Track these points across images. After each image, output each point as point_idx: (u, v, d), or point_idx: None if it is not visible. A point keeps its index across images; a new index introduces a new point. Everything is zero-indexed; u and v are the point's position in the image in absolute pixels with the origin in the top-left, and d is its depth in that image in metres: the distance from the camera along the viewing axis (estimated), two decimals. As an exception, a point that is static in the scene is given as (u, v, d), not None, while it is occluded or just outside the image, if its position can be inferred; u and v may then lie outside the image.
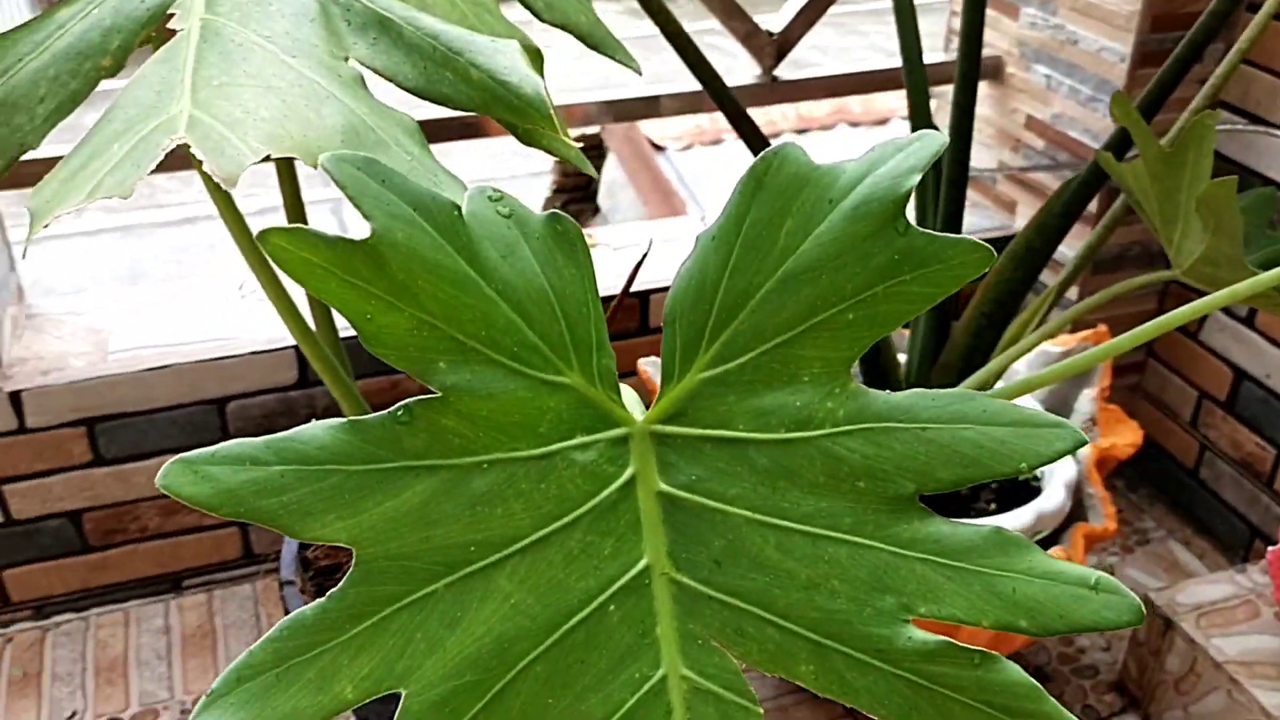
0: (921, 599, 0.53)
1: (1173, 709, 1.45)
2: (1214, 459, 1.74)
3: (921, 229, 0.52)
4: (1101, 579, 0.53)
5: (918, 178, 0.51)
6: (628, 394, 0.57)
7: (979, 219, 1.85)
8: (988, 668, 0.52)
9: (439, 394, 0.51)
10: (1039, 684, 0.53)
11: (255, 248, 0.98)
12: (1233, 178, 0.91)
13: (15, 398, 1.48)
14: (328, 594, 0.50)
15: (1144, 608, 0.53)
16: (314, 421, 0.50)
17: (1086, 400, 1.46)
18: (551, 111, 0.64)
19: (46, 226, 0.57)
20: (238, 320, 1.62)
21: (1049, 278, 1.73)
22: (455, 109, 0.66)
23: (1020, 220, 1.81)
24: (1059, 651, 1.60)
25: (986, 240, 1.61)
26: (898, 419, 0.54)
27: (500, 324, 0.51)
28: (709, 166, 3.80)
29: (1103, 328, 1.51)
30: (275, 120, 0.59)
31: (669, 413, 0.55)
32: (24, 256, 0.76)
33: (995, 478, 0.53)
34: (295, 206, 1.03)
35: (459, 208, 0.50)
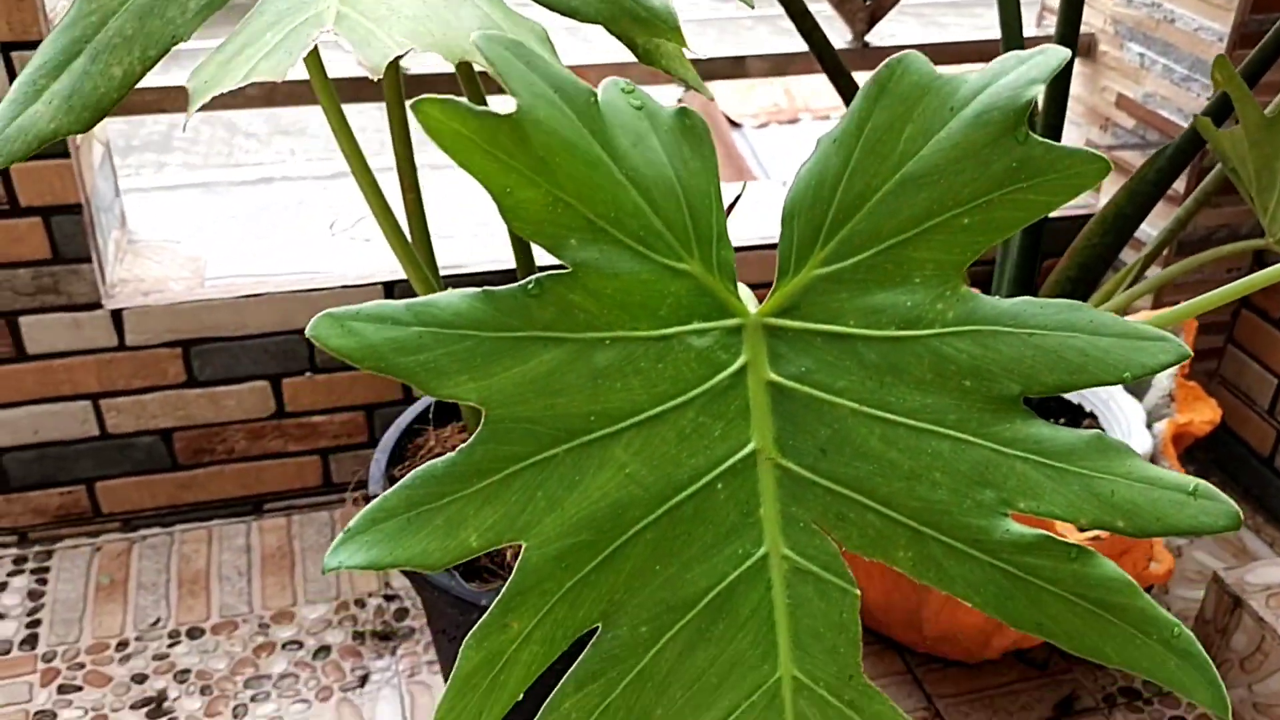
0: (1021, 495, 0.55)
1: (1237, 687, 1.45)
2: (1241, 517, 1.73)
3: (1040, 139, 0.54)
4: (1200, 485, 0.55)
5: (1038, 89, 0.53)
6: (743, 290, 0.59)
7: (1063, 196, 1.84)
8: (1084, 562, 0.54)
9: (569, 269, 0.54)
10: (1133, 580, 0.54)
11: (368, 175, 1.02)
12: (1337, 138, 0.91)
13: (117, 316, 1.54)
14: (456, 449, 0.53)
15: (1240, 516, 0.54)
16: (450, 290, 0.53)
17: (1165, 375, 1.46)
18: (679, 25, 0.66)
19: (203, 105, 0.61)
20: (329, 256, 1.67)
21: (1131, 259, 1.72)
22: (581, 20, 0.69)
23: (1104, 199, 1.80)
24: (1121, 627, 1.60)
25: (1070, 218, 1.62)
26: (1006, 323, 0.56)
27: (628, 208, 0.54)
28: (784, 144, 3.81)
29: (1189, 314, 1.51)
30: (417, 19, 0.63)
31: (782, 306, 0.57)
32: (185, 130, 0.80)
33: (1099, 385, 0.55)
34: (407, 159, 1.07)
35: (595, 94, 0.53)
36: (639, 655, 0.57)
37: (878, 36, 1.69)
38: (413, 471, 0.53)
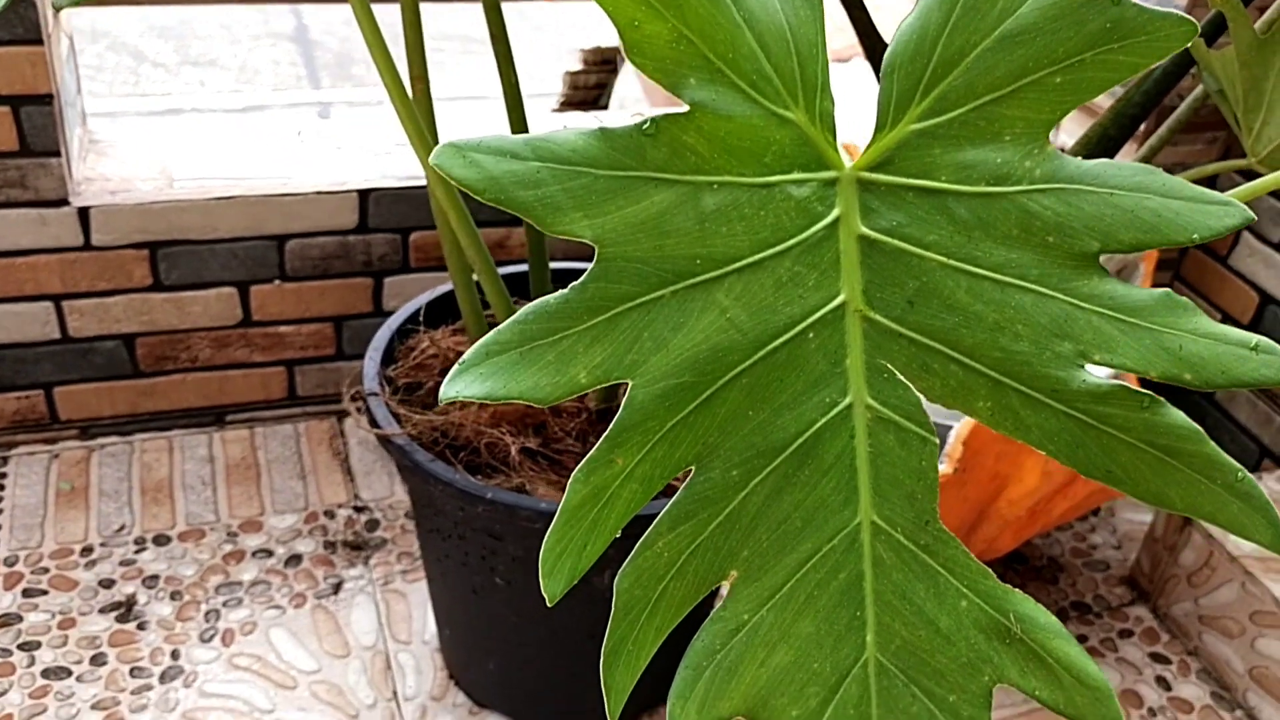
0: (1097, 348, 0.58)
1: (1183, 600, 1.52)
2: None
3: (1133, 1, 0.56)
4: (1261, 342, 0.58)
5: (1138, -50, 0.55)
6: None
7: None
8: (1155, 410, 0.57)
9: (686, 109, 0.54)
10: (1200, 428, 0.58)
11: (401, 92, 1.01)
12: (1338, 52, 0.96)
13: (84, 214, 1.50)
14: (569, 285, 0.54)
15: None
16: (567, 128, 0.53)
17: (1127, 302, 1.51)
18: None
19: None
20: (300, 162, 1.64)
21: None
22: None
23: (1066, 138, 1.85)
24: (1072, 546, 1.68)
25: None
26: (1088, 183, 0.58)
27: (745, 50, 0.55)
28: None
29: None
30: None
31: (877, 161, 0.59)
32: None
33: (1171, 244, 0.58)
34: (417, 47, 1.05)
35: (720, -66, 0.53)
36: (729, 497, 0.58)
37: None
38: (525, 307, 0.54)
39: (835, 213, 0.59)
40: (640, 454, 0.55)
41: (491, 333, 0.53)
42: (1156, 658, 1.50)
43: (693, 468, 0.58)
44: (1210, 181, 1.76)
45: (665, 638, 0.58)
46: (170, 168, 1.59)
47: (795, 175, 0.58)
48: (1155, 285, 1.89)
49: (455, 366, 0.52)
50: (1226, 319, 1.80)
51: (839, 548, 0.60)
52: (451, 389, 0.52)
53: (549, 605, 0.53)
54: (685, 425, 0.57)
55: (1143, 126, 1.68)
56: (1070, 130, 1.82)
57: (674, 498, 0.57)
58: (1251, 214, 0.59)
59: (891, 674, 0.61)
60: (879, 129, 0.59)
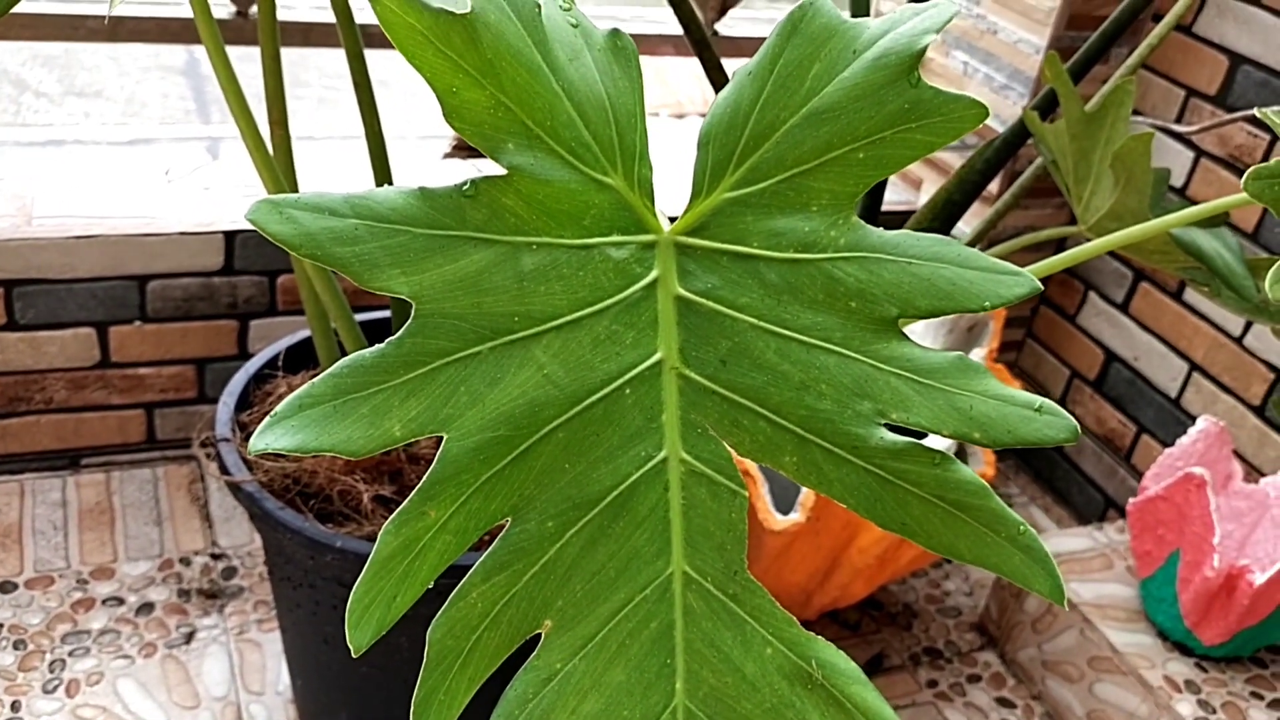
0: (894, 407, 0.61)
1: (1028, 646, 1.58)
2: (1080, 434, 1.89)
3: (930, 84, 0.60)
4: (1044, 404, 0.62)
5: (932, 37, 0.59)
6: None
7: (887, 193, 1.96)
8: (945, 467, 0.60)
9: (504, 173, 0.56)
10: (988, 485, 0.61)
11: (257, 138, 1.01)
12: (1150, 132, 1.03)
13: (-66, 250, 1.45)
14: (386, 341, 0.55)
15: (1077, 430, 0.62)
16: (387, 186, 0.55)
17: (976, 358, 1.58)
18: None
19: (155, 17, 0.60)
20: (166, 203, 1.62)
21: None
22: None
23: (924, 196, 1.93)
24: (926, 593, 1.73)
25: (889, 213, 1.73)
26: (888, 252, 0.61)
27: (563, 118, 0.57)
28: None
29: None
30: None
31: (693, 226, 0.62)
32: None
33: (965, 311, 0.62)
34: (277, 94, 1.06)
35: (539, 6, 0.56)
36: (545, 549, 0.60)
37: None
38: (341, 360, 0.55)
39: (654, 274, 0.61)
40: (454, 506, 0.57)
41: (305, 385, 0.54)
42: (1003, 702, 1.55)
43: (509, 519, 0.59)
44: (1060, 243, 1.85)
45: (479, 688, 0.59)
46: (30, 205, 1.55)
47: (614, 238, 0.60)
48: (1007, 343, 1.98)
49: (267, 418, 0.53)
50: (1075, 375, 1.89)
51: (651, 597, 0.62)
52: (262, 441, 0.52)
53: (354, 657, 0.54)
54: (500, 478, 0.58)
55: (996, 187, 1.77)
56: (927, 190, 1.90)
57: (489, 549, 0.59)
58: (1038, 284, 0.63)
59: (701, 720, 0.63)
60: (695, 196, 0.61)
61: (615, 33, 0.59)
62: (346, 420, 0.54)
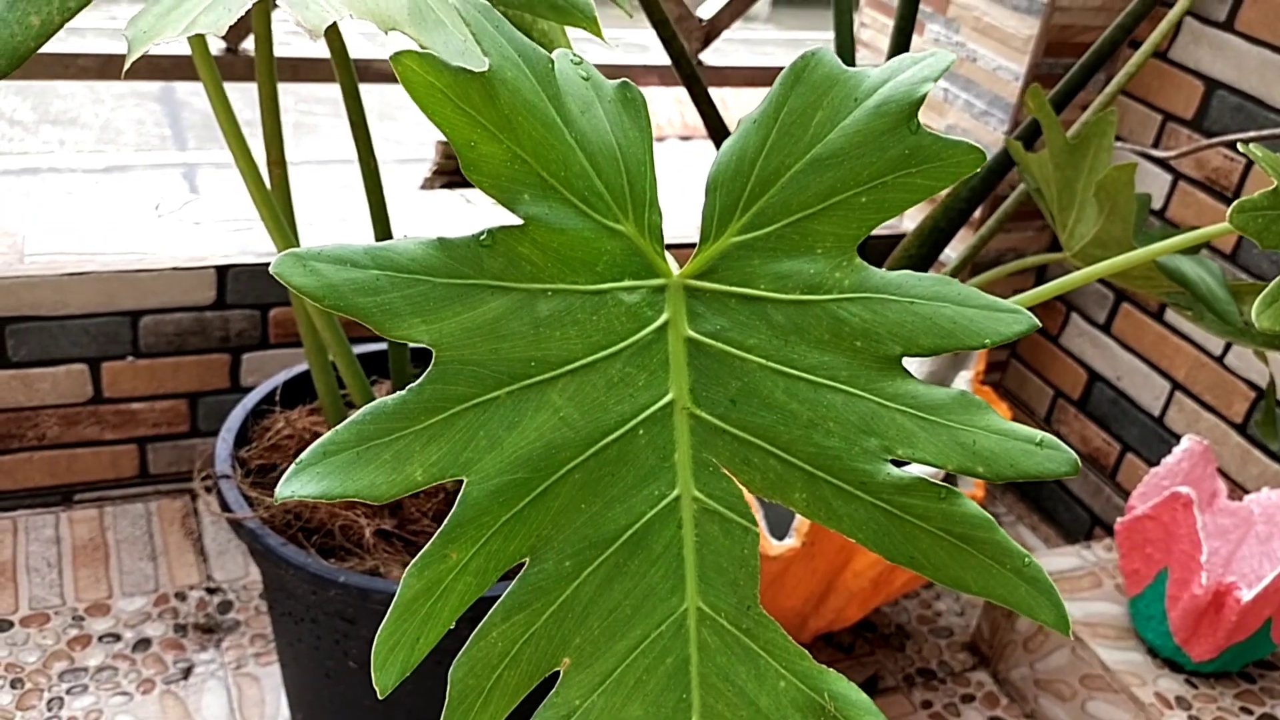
0: (900, 443, 0.63)
1: (1020, 666, 1.60)
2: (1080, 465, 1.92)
3: (929, 130, 0.62)
4: (1045, 438, 0.64)
5: (930, 86, 0.61)
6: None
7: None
8: (951, 501, 0.62)
9: (520, 223, 0.58)
10: (992, 517, 0.63)
11: (257, 179, 1.03)
12: (1133, 163, 1.05)
13: (-74, 289, 1.46)
14: (407, 388, 0.57)
15: (1079, 464, 0.64)
16: (406, 236, 0.56)
17: (963, 381, 1.60)
18: (595, 14, 0.72)
19: (144, 54, 0.62)
20: (157, 238, 1.63)
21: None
22: (495, 4, 0.73)
23: (909, 223, 1.96)
24: (918, 614, 1.74)
25: (877, 239, 1.77)
26: (891, 292, 0.63)
27: (576, 169, 0.59)
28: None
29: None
30: (351, -12, 0.65)
31: (701, 270, 0.63)
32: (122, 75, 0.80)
33: (966, 348, 0.64)
34: (275, 134, 1.08)
35: (552, 62, 0.58)
36: (562, 588, 0.61)
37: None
38: (363, 408, 0.56)
39: (664, 317, 0.63)
40: (475, 548, 0.58)
41: (329, 433, 0.55)
42: (996, 722, 1.57)
43: (527, 559, 0.60)
44: (1043, 269, 1.88)
45: (500, 725, 0.60)
46: (21, 242, 1.56)
47: (626, 283, 0.62)
48: (992, 364, 2.00)
49: (292, 466, 0.54)
50: (1059, 395, 1.92)
51: (667, 633, 0.63)
52: (287, 489, 0.54)
53: (380, 697, 0.55)
54: (519, 519, 0.59)
55: (979, 213, 1.79)
56: (913, 216, 1.92)
57: (509, 589, 0.60)
58: (1036, 321, 0.65)
59: (718, 753, 0.64)
60: (704, 240, 0.63)
61: (625, 84, 0.60)
62: (370, 466, 0.56)
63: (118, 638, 1.49)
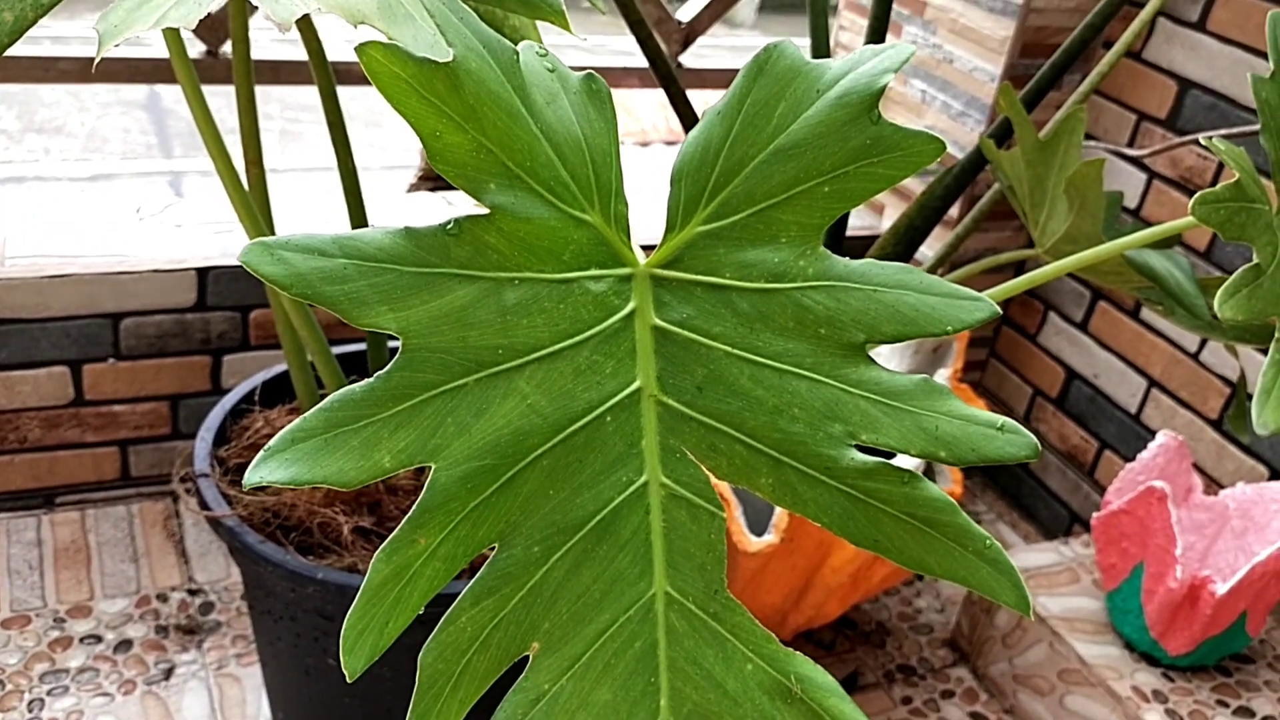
0: (863, 428, 0.63)
1: (999, 661, 1.61)
2: (1042, 450, 1.93)
3: (890, 121, 0.63)
4: (1006, 423, 0.65)
5: (890, 77, 0.62)
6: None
7: (852, 219, 2.00)
8: (914, 485, 0.63)
9: (486, 212, 0.59)
10: (954, 501, 0.64)
11: (234, 179, 1.03)
12: (1102, 159, 1.06)
13: (-94, 292, 1.46)
14: (374, 375, 0.57)
15: (1039, 448, 0.65)
16: (374, 226, 0.57)
17: (941, 378, 1.61)
18: (563, 9, 0.73)
19: (124, 57, 0.63)
20: (138, 241, 1.63)
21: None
22: None
23: (887, 222, 1.97)
24: (898, 610, 1.75)
25: (854, 238, 1.78)
26: (855, 280, 0.64)
27: (542, 159, 0.59)
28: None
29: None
30: (321, -17, 0.66)
31: (667, 259, 0.64)
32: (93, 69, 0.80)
33: (928, 335, 0.65)
34: (252, 134, 1.08)
35: (517, 53, 0.58)
36: (531, 573, 0.62)
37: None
38: (331, 395, 0.57)
39: (631, 305, 0.64)
40: (443, 534, 0.59)
41: (297, 420, 0.56)
42: (976, 717, 1.58)
43: (495, 545, 0.61)
44: (1020, 266, 1.90)
45: (469, 710, 0.61)
46: (2, 245, 1.56)
47: (593, 272, 0.63)
48: (971, 363, 2.02)
49: (261, 452, 0.55)
50: (1038, 393, 1.93)
51: (635, 618, 0.64)
52: (256, 474, 0.54)
53: (349, 681, 0.56)
54: (487, 505, 0.60)
55: (955, 212, 1.81)
56: (889, 214, 1.94)
57: (477, 574, 0.61)
58: (997, 309, 0.66)
59: (687, 737, 0.65)
60: (669, 230, 0.64)
61: (590, 76, 0.61)
62: (338, 453, 0.56)
63: (99, 639, 1.49)
